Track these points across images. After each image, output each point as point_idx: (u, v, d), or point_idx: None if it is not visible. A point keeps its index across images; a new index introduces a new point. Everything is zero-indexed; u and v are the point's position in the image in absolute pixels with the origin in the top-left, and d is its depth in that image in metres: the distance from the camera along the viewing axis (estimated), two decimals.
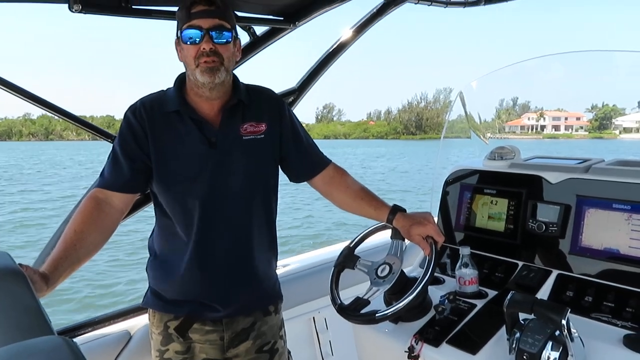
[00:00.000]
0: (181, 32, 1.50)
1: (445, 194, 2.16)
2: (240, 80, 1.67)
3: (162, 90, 1.64)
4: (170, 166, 1.56)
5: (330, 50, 2.47)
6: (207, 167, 1.56)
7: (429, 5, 2.68)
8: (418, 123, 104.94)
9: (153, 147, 1.55)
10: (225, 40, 1.50)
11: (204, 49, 1.47)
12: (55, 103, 1.87)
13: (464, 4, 2.81)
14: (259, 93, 1.70)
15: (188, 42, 1.49)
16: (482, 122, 2.65)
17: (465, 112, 2.55)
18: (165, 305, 1.64)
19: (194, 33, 1.48)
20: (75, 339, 1.84)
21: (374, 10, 2.47)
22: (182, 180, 1.56)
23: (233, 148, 1.58)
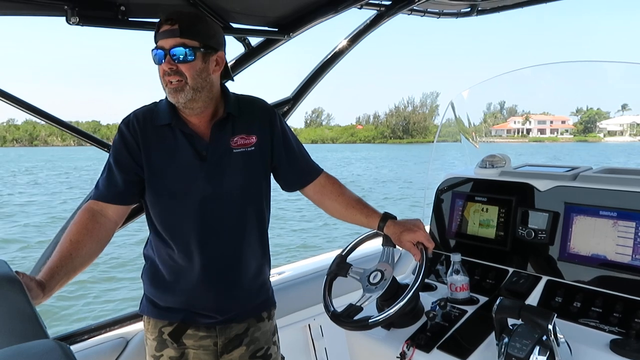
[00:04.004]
0: (152, 53, 1.53)
1: (437, 201, 2.18)
2: (232, 92, 1.70)
3: (155, 103, 1.67)
4: (162, 179, 1.59)
5: (325, 60, 2.51)
6: (198, 181, 1.58)
7: (422, 16, 2.73)
8: (405, 127, 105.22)
9: (146, 160, 1.58)
10: (186, 59, 1.48)
11: (164, 69, 1.50)
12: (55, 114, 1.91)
13: (457, 15, 2.86)
14: (250, 104, 1.72)
15: (157, 63, 1.52)
16: (472, 127, 2.68)
17: (456, 118, 2.58)
18: (159, 312, 1.66)
19: (158, 54, 1.50)
20: (71, 347, 1.85)
21: (368, 20, 2.51)
22: (174, 193, 1.59)
23: (224, 161, 1.61)
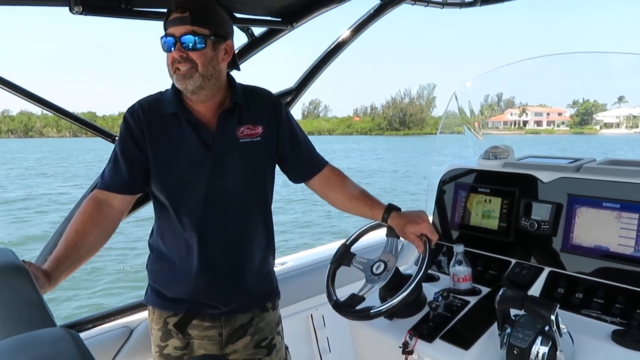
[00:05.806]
0: (161, 41, 1.52)
1: (440, 192, 2.19)
2: (238, 82, 1.70)
3: (160, 92, 1.66)
4: (167, 169, 1.59)
5: (328, 50, 2.49)
6: (204, 170, 1.58)
7: (425, 6, 2.71)
8: (402, 119, 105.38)
9: (151, 150, 1.58)
10: (196, 47, 1.49)
11: (174, 57, 1.50)
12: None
13: (460, 5, 2.83)
14: (256, 94, 1.72)
15: (167, 50, 1.52)
16: (474, 117, 2.68)
17: (459, 110, 2.58)
18: (165, 302, 1.67)
19: (168, 41, 1.50)
20: None
21: (371, 10, 2.49)
22: (179, 183, 1.59)
23: (229, 151, 1.61)
